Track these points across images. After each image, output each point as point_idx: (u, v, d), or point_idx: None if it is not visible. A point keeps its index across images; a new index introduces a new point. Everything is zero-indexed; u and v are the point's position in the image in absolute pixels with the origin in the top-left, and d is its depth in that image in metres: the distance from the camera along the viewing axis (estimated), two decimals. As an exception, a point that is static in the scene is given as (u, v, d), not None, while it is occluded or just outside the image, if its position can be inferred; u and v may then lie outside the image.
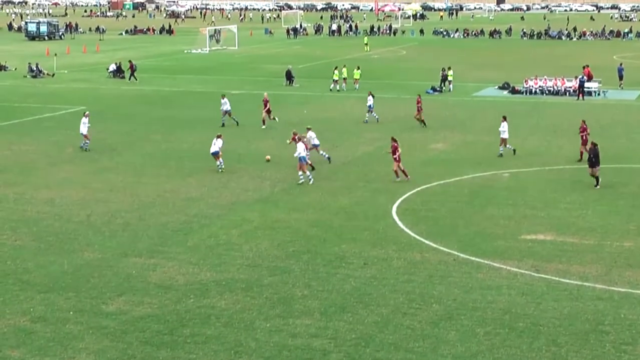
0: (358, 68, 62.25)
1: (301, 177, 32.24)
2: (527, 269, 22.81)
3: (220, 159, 34.16)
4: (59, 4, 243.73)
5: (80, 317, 19.46)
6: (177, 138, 42.37)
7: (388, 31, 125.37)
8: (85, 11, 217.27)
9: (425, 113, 45.32)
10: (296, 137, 33.54)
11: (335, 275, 22.43)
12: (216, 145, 33.95)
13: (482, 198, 30.49)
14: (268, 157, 36.21)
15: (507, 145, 37.20)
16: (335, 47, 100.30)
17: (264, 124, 45.11)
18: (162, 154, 38.43)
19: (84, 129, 38.85)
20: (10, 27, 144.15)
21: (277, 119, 45.49)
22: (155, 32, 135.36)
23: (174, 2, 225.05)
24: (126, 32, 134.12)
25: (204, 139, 38.74)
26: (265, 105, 45.42)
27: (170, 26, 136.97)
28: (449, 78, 60.37)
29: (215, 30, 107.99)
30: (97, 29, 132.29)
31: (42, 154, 38.50)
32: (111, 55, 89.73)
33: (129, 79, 67.81)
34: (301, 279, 22.12)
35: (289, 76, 64.18)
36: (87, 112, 40.69)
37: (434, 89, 59.43)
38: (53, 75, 71.54)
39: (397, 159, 32.27)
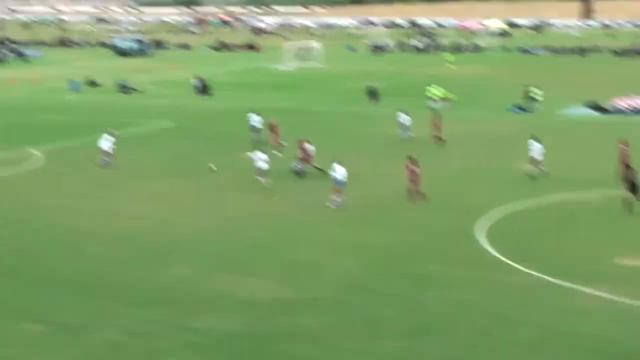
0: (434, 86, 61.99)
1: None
2: (622, 295, 22.31)
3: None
4: (148, 21, 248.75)
5: (170, 333, 19.79)
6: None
7: (472, 48, 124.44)
8: (173, 28, 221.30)
9: (507, 130, 44.73)
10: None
11: (423, 296, 22.34)
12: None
13: (573, 219, 29.94)
14: (212, 165, 36.41)
15: (540, 166, 36.09)
16: (418, 64, 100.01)
17: (275, 148, 41.96)
18: (248, 171, 38.78)
19: (105, 144, 39.26)
20: (101, 43, 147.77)
21: (285, 144, 42.74)
22: (240, 48, 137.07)
23: (259, 19, 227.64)
24: (211, 48, 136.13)
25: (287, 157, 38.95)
26: (274, 130, 43.42)
27: (254, 42, 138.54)
28: (535, 96, 59.59)
29: (299, 46, 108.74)
30: (184, 45, 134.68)
31: (133, 168, 39.24)
32: (196, 71, 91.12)
33: (204, 95, 69.37)
34: (388, 300, 22.10)
35: (374, 94, 64.13)
36: (113, 132, 40.90)
37: (519, 108, 58.72)
38: (141, 91, 73.03)
39: (414, 180, 31.96)
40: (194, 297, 22.26)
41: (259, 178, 34.67)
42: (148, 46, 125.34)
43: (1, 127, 53.03)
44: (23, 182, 36.61)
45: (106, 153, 39.46)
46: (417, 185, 32.04)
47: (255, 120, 45.90)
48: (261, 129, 45.16)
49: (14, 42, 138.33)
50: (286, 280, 23.70)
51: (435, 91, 61.23)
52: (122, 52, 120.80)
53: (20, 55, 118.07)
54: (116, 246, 26.96)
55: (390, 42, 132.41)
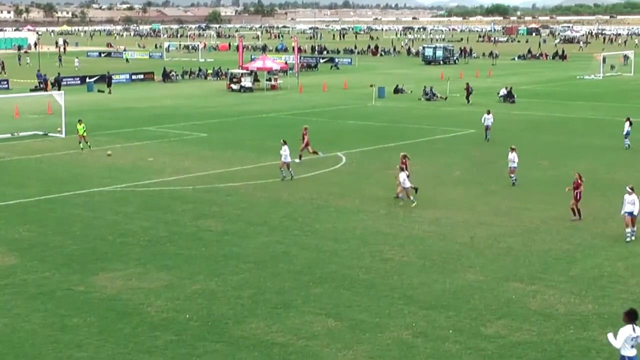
0: None
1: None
2: None
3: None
4: (455, 30, 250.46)
5: (459, 337, 19.77)
6: (564, 165, 41.58)
7: None
8: (480, 36, 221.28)
9: None
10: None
11: None
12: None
13: None
14: (109, 152, 41.45)
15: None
16: None
17: (299, 158, 42.35)
18: (548, 180, 37.95)
19: (285, 157, 38.20)
20: (408, 52, 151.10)
21: (322, 153, 43.70)
22: (548, 57, 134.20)
23: (569, 27, 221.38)
24: (519, 57, 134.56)
25: (591, 167, 37.62)
26: (304, 139, 42.77)
27: (563, 52, 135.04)
28: None
29: (610, 55, 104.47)
30: (491, 54, 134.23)
31: (431, 175, 39.76)
32: (502, 80, 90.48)
33: (467, 102, 69.46)
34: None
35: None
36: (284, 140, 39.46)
37: None
38: (446, 98, 73.78)
39: (577, 196, 30.45)
40: (484, 304, 22.10)
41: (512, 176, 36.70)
42: (454, 54, 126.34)
43: (317, 131, 55.84)
44: (320, 182, 38.20)
45: (286, 165, 38.39)
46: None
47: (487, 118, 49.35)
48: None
49: (327, 50, 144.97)
50: (581, 293, 22.85)
51: None
52: (429, 60, 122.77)
53: (331, 62, 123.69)
54: (408, 249, 27.39)
55: None
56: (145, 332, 20.10)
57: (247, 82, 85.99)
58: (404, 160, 35.48)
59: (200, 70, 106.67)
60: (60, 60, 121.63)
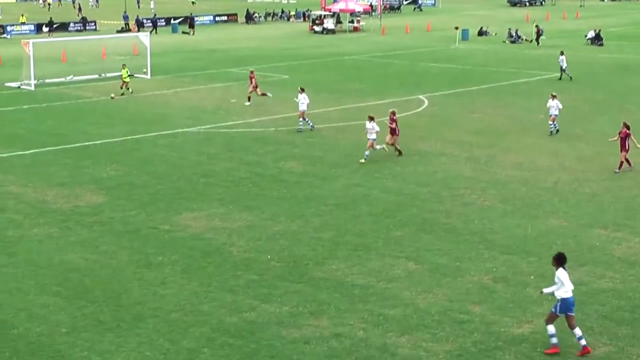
0: None
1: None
2: None
3: None
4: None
5: (540, 283, 19.42)
6: (654, 110, 40.52)
7: None
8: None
9: None
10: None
11: None
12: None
13: None
14: (113, 95, 43.23)
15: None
16: None
17: (249, 100, 43.59)
18: (638, 127, 37.01)
19: (302, 106, 36.62)
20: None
21: (270, 94, 43.51)
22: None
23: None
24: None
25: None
26: (251, 81, 43.29)
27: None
28: None
29: None
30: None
31: (512, 119, 39.21)
32: (590, 22, 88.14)
33: (537, 44, 68.84)
34: None
35: None
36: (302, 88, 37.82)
37: None
38: (531, 41, 72.27)
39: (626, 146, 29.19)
40: (567, 250, 21.72)
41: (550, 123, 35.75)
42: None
43: (399, 73, 55.51)
44: (401, 125, 37.99)
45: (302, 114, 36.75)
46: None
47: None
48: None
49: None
50: (667, 241, 22.42)
51: None
52: (514, 2, 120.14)
53: (415, 3, 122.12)
54: (489, 193, 27.16)
55: None
56: (228, 271, 20.48)
57: (329, 24, 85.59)
58: (392, 117, 31.86)
59: (283, 11, 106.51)
60: (138, 2, 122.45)
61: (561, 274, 16.16)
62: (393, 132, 31.64)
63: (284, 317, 17.85)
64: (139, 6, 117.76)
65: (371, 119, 31.09)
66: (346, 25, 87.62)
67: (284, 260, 21.25)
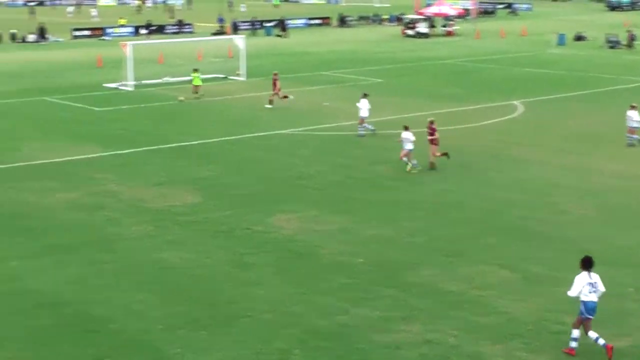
0: None
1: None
2: None
3: None
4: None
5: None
6: None
7: None
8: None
9: None
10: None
11: None
12: None
13: None
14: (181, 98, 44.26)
15: None
16: None
17: (270, 103, 43.57)
18: None
19: (363, 112, 36.19)
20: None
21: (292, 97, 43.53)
22: None
23: None
24: None
25: None
26: (275, 85, 43.02)
27: None
28: None
29: None
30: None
31: (611, 126, 38.13)
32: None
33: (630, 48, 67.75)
34: None
35: None
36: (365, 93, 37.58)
37: None
38: (629, 46, 70.59)
39: None
40: (666, 262, 21.28)
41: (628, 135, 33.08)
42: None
43: (494, 78, 54.96)
44: (496, 131, 37.51)
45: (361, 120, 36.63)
46: None
47: None
48: None
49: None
50: None
51: None
52: (614, 6, 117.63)
53: (509, 7, 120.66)
54: (587, 202, 26.61)
55: None
56: (320, 274, 20.56)
57: (422, 28, 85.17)
58: (431, 126, 31.04)
59: (375, 15, 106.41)
60: (230, 5, 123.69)
61: (578, 277, 16.18)
62: (434, 142, 30.97)
63: (375, 321, 17.83)
64: (230, 8, 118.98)
65: (406, 128, 30.77)
66: (439, 29, 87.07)
67: (376, 264, 21.22)
